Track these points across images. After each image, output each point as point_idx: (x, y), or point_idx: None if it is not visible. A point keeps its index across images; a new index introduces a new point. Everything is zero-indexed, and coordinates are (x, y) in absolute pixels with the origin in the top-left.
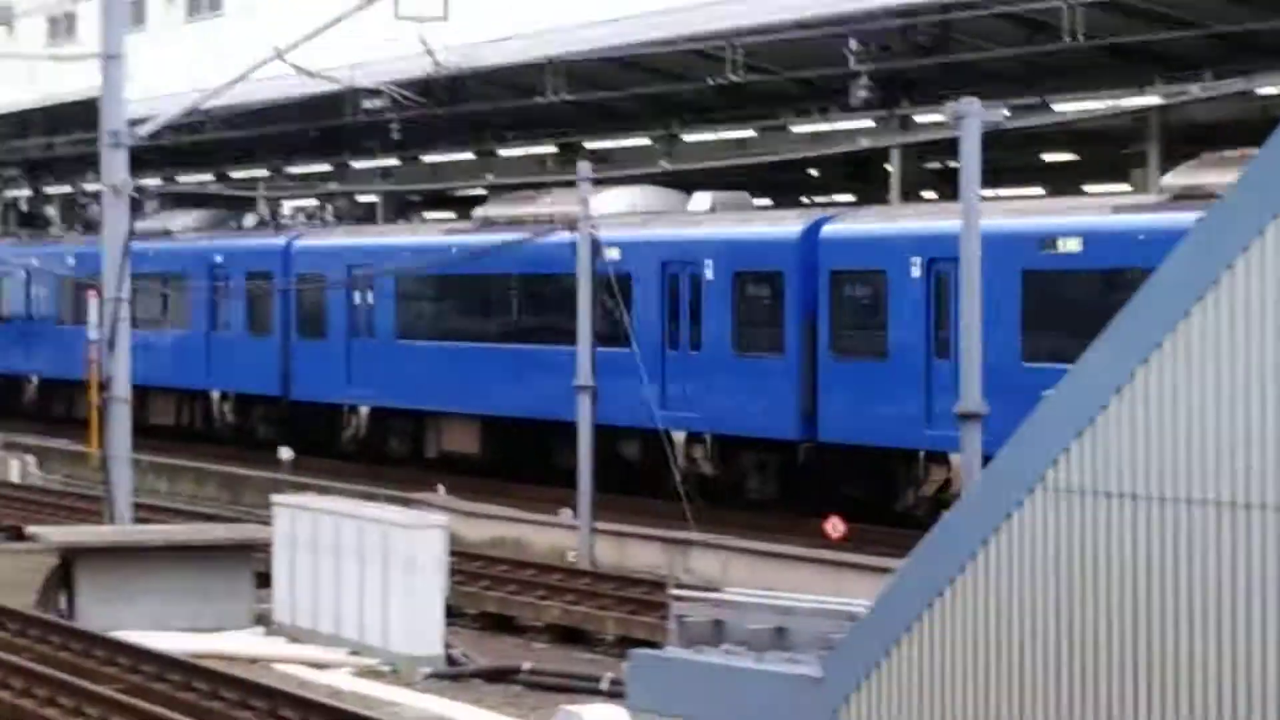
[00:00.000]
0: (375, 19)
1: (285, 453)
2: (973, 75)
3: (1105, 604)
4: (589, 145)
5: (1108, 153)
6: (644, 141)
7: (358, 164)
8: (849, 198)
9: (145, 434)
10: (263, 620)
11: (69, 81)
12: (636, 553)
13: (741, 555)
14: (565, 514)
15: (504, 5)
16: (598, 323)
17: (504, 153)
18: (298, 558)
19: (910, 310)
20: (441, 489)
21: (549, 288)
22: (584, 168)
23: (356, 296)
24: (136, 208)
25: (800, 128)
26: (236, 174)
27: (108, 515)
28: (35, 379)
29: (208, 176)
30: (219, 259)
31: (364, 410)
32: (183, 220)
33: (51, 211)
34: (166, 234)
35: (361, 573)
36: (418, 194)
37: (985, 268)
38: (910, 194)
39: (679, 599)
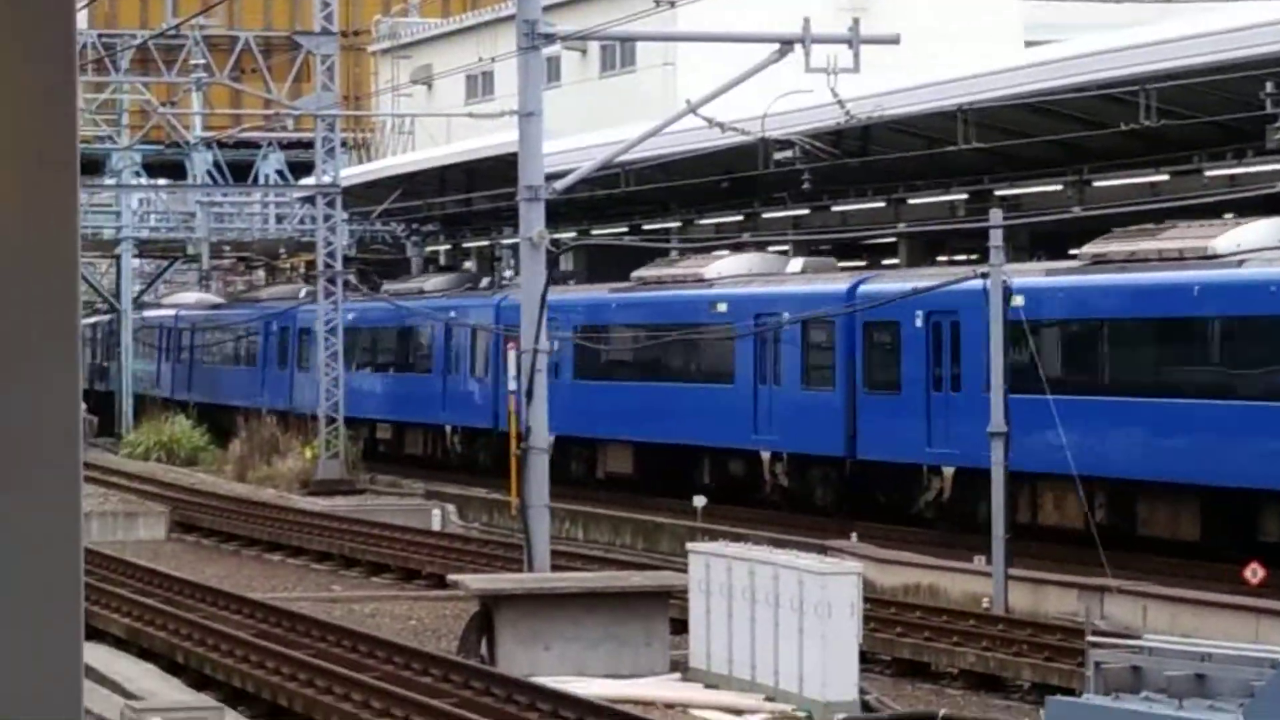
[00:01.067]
0: (786, 71)
1: (699, 500)
2: None
3: None
4: (999, 192)
5: None
6: (1055, 187)
7: (768, 214)
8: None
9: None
10: (679, 666)
11: (487, 138)
12: (1052, 599)
13: (1160, 602)
14: (979, 560)
15: (914, 55)
16: (708, 362)
17: (914, 200)
18: (713, 604)
19: (915, 353)
20: (854, 536)
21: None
22: (995, 215)
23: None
24: (553, 261)
25: (1214, 171)
26: (649, 226)
27: (527, 563)
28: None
29: (622, 229)
30: (453, 313)
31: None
32: (434, 281)
33: (469, 265)
34: (421, 293)
35: (776, 619)
36: (828, 243)
37: (971, 317)
38: None
39: (1097, 645)
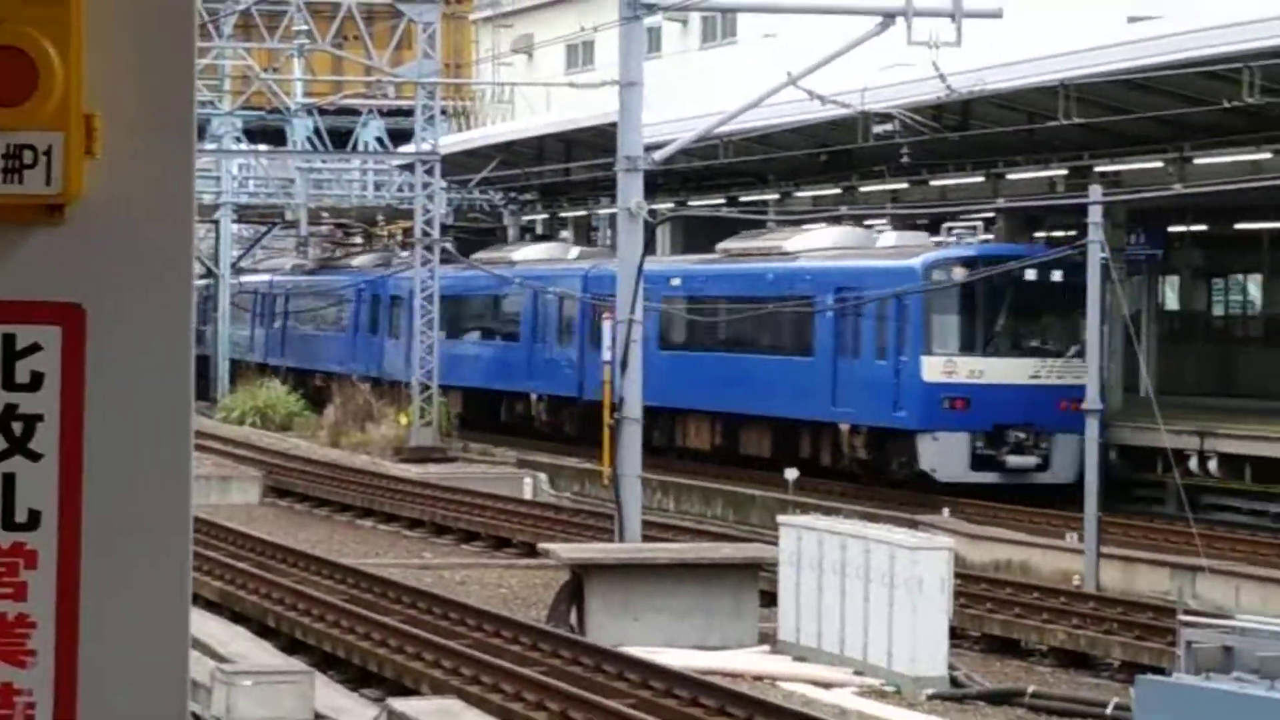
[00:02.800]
0: (887, 44)
1: (791, 473)
2: None
3: None
4: (1099, 168)
5: None
6: (1156, 164)
7: (866, 187)
8: None
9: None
10: (768, 638)
11: (586, 108)
12: (1143, 578)
13: (1253, 582)
14: (1071, 538)
15: (1016, 30)
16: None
17: (1012, 176)
18: (803, 577)
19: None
20: (946, 511)
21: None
22: (1095, 192)
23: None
24: (650, 232)
25: None
26: (747, 198)
27: (618, 533)
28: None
29: (719, 200)
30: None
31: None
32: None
33: (565, 234)
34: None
35: (866, 593)
36: (925, 217)
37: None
38: None
39: (1188, 624)
